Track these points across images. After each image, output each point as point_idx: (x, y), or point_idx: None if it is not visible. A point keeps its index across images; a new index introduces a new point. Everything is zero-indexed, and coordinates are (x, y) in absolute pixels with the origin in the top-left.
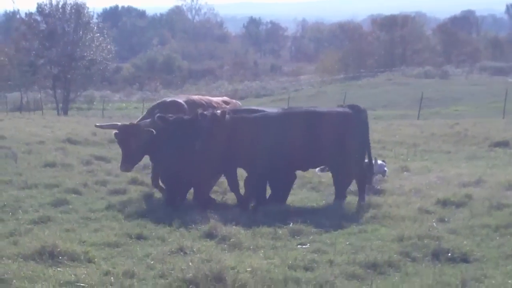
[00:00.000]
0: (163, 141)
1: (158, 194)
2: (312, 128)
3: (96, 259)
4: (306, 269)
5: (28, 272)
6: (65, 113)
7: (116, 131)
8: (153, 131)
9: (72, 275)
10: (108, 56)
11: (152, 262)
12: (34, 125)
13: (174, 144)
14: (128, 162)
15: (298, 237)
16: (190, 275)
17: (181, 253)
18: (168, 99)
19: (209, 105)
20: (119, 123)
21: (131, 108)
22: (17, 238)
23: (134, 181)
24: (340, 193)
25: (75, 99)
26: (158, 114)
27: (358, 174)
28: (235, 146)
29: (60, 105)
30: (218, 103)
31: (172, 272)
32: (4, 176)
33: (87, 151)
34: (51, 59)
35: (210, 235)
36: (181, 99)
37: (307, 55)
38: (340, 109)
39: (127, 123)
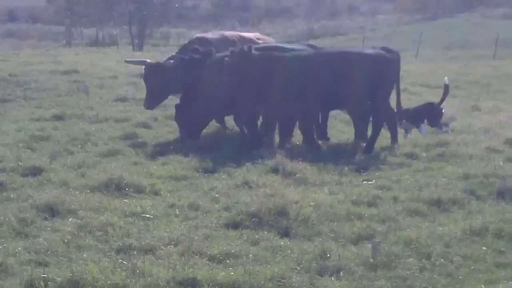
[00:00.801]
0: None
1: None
2: (342, 69)
3: (162, 192)
4: (370, 204)
5: (95, 203)
6: (140, 48)
7: (144, 67)
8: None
9: (138, 207)
10: None
11: (217, 195)
12: (109, 59)
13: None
14: (152, 100)
15: (364, 173)
16: (254, 208)
17: (246, 187)
18: (197, 35)
19: (241, 41)
20: (148, 60)
21: None
22: (85, 170)
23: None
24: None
25: (151, 35)
26: (193, 47)
27: (388, 116)
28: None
29: (136, 41)
30: (251, 39)
31: (236, 205)
32: (75, 110)
33: None
34: None
35: (276, 170)
36: (213, 35)
37: None
38: (372, 50)
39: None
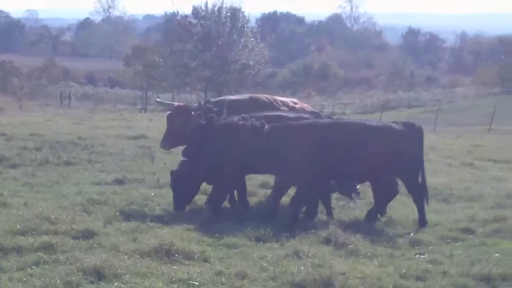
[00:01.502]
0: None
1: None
2: (357, 141)
3: (211, 259)
4: (418, 278)
5: (142, 268)
6: None
7: (169, 111)
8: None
9: (185, 273)
10: (261, 61)
11: (265, 265)
12: None
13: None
14: (168, 140)
15: (418, 247)
16: (299, 278)
17: (296, 257)
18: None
19: (272, 105)
20: (180, 103)
21: None
22: (137, 235)
23: (264, 185)
24: (380, 207)
25: None
26: (210, 115)
27: (414, 192)
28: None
29: None
30: (284, 102)
31: (283, 275)
32: (137, 174)
33: None
34: (204, 62)
35: (328, 241)
36: (240, 97)
37: (465, 68)
38: (389, 124)
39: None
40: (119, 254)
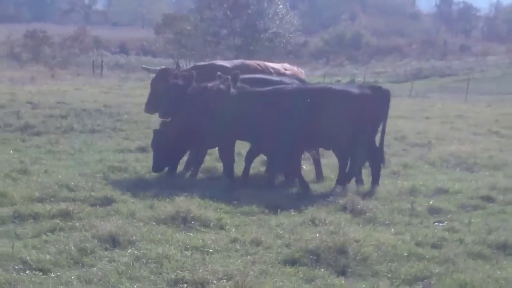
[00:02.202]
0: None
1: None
2: (323, 106)
3: (227, 226)
4: (434, 246)
5: (157, 235)
6: None
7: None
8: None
9: (200, 240)
10: (291, 29)
11: (281, 232)
12: None
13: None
14: (151, 104)
15: (437, 215)
16: (313, 245)
17: (312, 224)
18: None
19: (264, 71)
20: (163, 67)
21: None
22: (155, 202)
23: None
24: (342, 175)
25: None
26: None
27: (372, 156)
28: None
29: None
30: (275, 69)
31: (298, 242)
32: None
33: None
34: (234, 30)
35: (345, 209)
36: (231, 64)
37: (498, 37)
38: (355, 89)
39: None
40: (135, 221)
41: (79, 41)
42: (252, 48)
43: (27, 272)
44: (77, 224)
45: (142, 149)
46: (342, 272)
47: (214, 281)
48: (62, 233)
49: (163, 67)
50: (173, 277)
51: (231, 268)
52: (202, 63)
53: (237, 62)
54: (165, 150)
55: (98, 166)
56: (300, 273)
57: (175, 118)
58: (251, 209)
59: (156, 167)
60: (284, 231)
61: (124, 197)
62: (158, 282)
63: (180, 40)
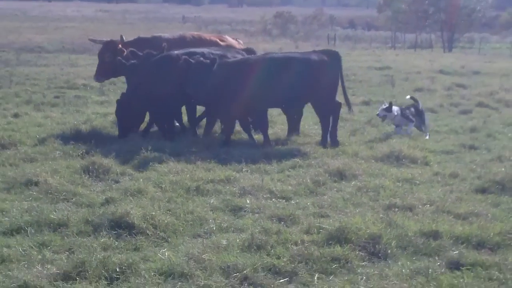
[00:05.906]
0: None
1: None
2: (286, 72)
3: (431, 163)
4: None
5: (375, 170)
6: (450, 50)
7: (101, 45)
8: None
9: (409, 174)
10: (486, 6)
11: (474, 167)
12: (420, 59)
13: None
14: (100, 74)
15: None
16: (499, 177)
17: (499, 161)
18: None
19: (198, 42)
20: (108, 39)
21: (504, 48)
22: (373, 144)
23: (480, 104)
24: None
25: (459, 39)
26: (130, 49)
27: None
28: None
29: (446, 44)
30: (211, 40)
31: (487, 175)
32: (379, 97)
33: (453, 79)
34: (440, 8)
35: None
36: (170, 35)
37: None
38: (313, 55)
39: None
40: (358, 159)
41: (317, 19)
42: (453, 22)
43: (273, 200)
44: (313, 162)
45: (365, 103)
46: None
47: (420, 206)
48: (301, 169)
49: (109, 39)
50: (387, 203)
51: (433, 196)
52: (146, 36)
53: (176, 35)
54: (127, 117)
55: None
56: (488, 199)
57: (132, 87)
58: (450, 148)
59: (122, 134)
60: (477, 166)
61: (349, 140)
62: (375, 207)
63: (397, 17)
